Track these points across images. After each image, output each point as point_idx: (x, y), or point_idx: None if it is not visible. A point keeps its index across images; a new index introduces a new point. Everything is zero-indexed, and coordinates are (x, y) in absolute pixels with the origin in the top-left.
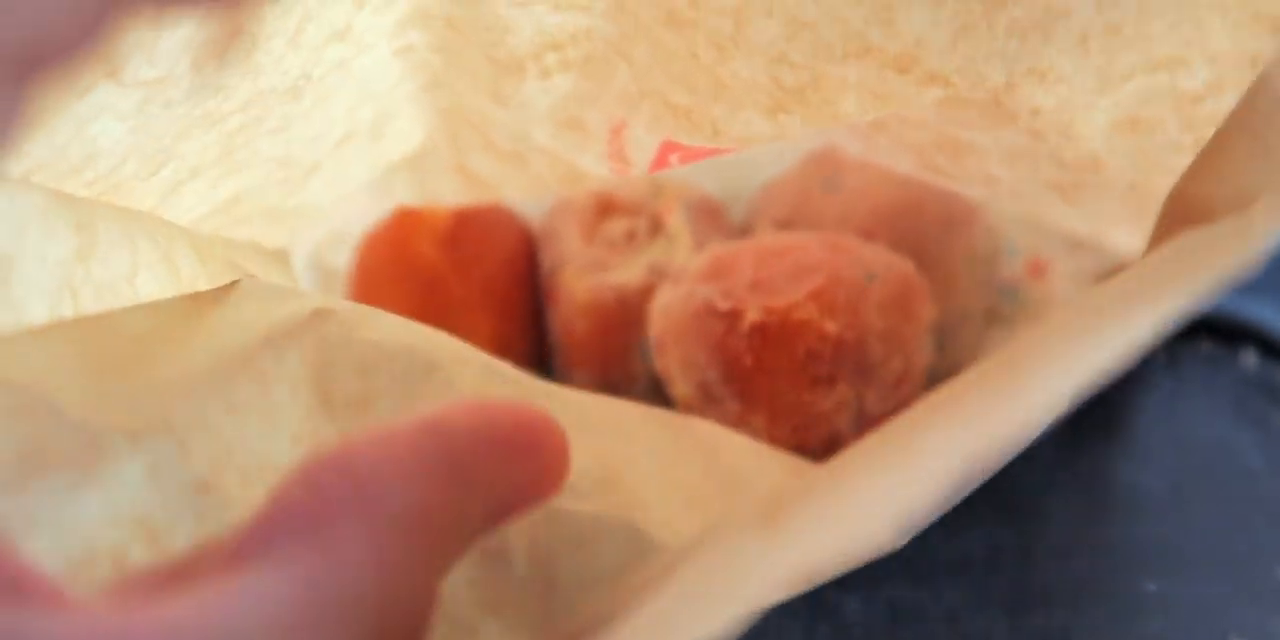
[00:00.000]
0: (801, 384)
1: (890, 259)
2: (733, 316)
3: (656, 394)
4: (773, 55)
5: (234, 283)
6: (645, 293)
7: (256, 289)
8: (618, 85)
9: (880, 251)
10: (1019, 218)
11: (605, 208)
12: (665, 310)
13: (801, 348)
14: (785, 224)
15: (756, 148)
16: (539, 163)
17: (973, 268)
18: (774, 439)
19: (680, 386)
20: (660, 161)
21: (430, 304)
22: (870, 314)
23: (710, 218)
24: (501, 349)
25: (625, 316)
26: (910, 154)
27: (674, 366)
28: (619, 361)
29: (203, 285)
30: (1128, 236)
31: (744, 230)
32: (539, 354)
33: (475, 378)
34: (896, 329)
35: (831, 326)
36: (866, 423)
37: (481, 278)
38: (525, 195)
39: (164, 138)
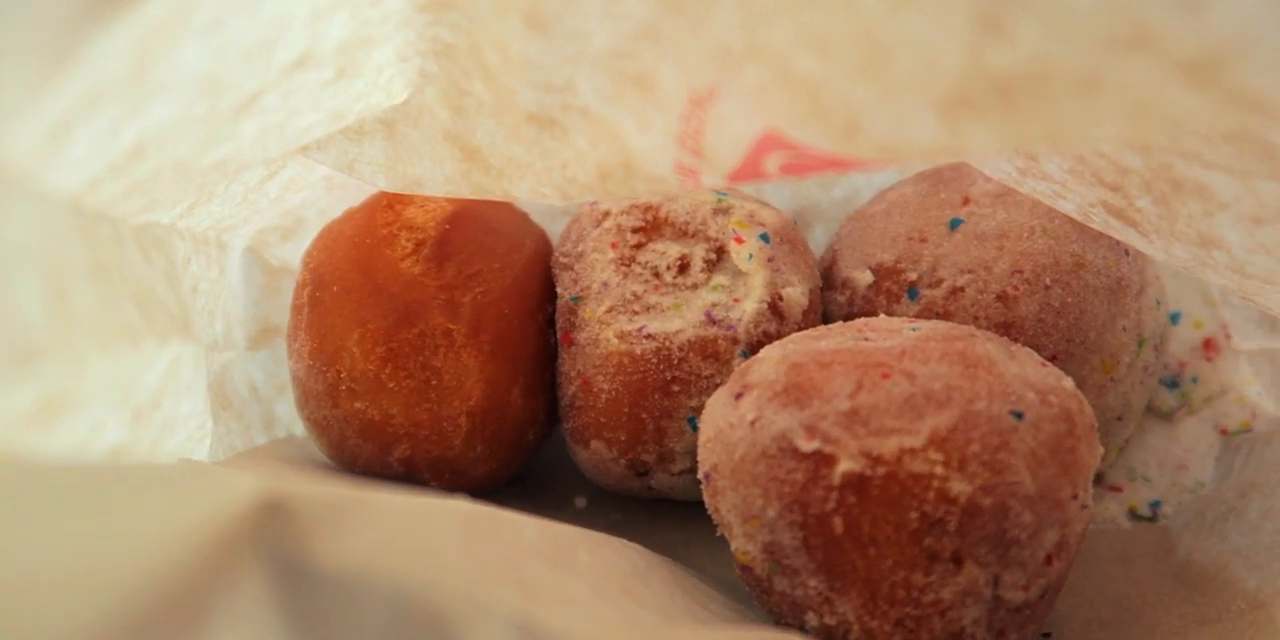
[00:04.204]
0: (913, 562)
1: (1045, 380)
2: (820, 461)
3: (698, 485)
4: (984, 15)
5: (147, 470)
6: (698, 348)
7: (185, 477)
8: (718, 28)
9: (1030, 363)
10: (1197, 282)
11: (652, 225)
12: (721, 436)
13: (916, 512)
14: (889, 273)
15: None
16: (576, 134)
17: (1139, 352)
18: (870, 633)
19: (740, 542)
20: (751, 163)
21: (404, 334)
22: (1017, 469)
23: (794, 252)
24: (494, 403)
25: (667, 377)
26: (1089, 188)
27: (730, 515)
28: (653, 436)
29: (96, 333)
30: None
31: (826, 275)
32: (544, 412)
33: None
34: (1052, 489)
35: (961, 486)
36: (1003, 617)
37: (475, 305)
38: (545, 190)
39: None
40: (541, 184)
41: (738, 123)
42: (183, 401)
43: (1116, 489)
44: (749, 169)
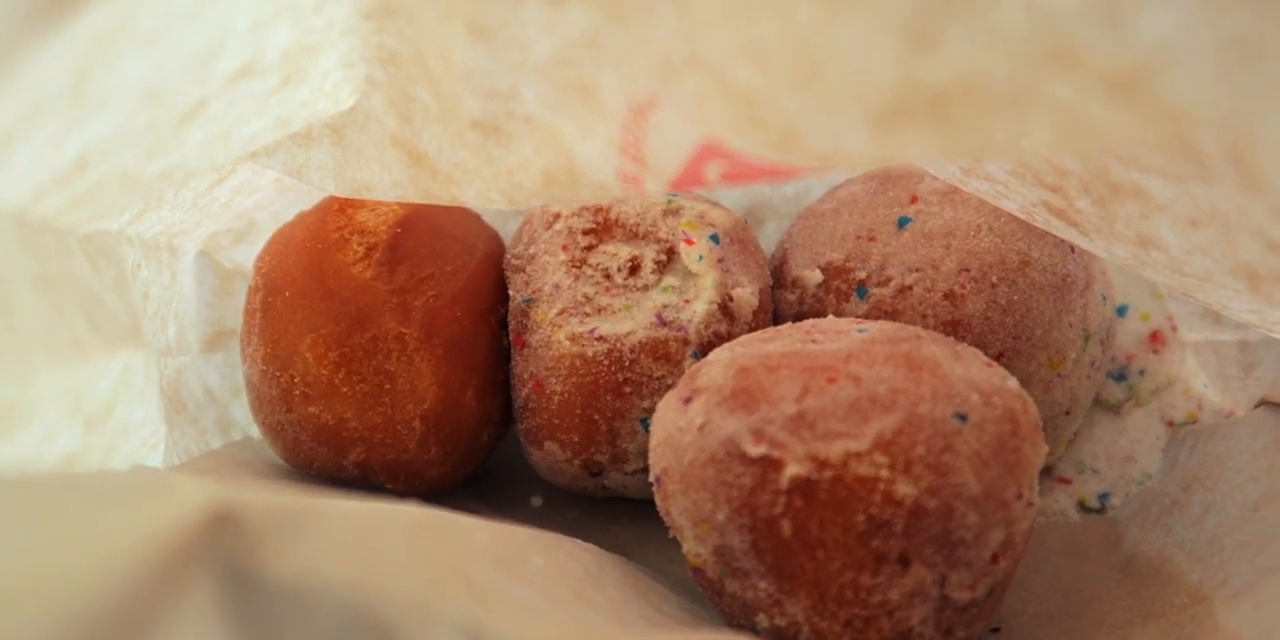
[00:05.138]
0: (861, 563)
1: (989, 381)
2: (767, 466)
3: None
4: (913, 31)
5: (98, 478)
6: (649, 349)
7: (137, 486)
8: (658, 38)
9: (975, 364)
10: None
11: (602, 227)
12: (670, 441)
13: (862, 515)
14: (838, 272)
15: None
16: (521, 141)
17: (1085, 347)
18: (820, 633)
19: (691, 545)
20: (691, 171)
21: (356, 339)
22: (961, 470)
23: (744, 252)
24: (448, 406)
25: (619, 378)
26: (1030, 189)
27: (681, 518)
28: (606, 437)
29: (47, 346)
30: None
31: (776, 273)
32: (499, 413)
33: None
34: (996, 489)
35: (906, 488)
36: (950, 616)
37: (427, 309)
38: (492, 195)
39: None
40: (488, 189)
41: (678, 131)
42: (135, 408)
43: (1065, 481)
44: (690, 177)
